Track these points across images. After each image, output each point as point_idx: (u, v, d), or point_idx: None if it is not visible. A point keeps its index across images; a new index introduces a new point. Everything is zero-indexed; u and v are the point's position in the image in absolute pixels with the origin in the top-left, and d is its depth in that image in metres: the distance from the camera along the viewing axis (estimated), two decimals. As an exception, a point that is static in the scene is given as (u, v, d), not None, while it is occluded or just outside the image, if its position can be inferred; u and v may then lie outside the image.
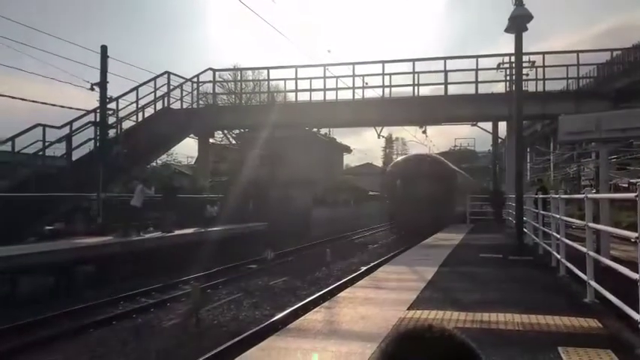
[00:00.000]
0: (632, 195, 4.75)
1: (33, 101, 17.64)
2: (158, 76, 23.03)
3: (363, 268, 15.78)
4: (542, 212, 12.46)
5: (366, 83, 23.81)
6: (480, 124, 28.55)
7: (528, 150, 41.82)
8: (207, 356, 7.44)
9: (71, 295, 12.14)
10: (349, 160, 65.02)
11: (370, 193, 51.16)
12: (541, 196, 13.66)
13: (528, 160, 42.04)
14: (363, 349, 4.54)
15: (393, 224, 24.26)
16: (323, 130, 39.25)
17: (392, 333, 1.52)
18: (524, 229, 13.74)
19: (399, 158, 25.39)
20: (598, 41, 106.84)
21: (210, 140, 28.91)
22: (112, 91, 19.36)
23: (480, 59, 22.79)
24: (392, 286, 7.86)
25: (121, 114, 21.00)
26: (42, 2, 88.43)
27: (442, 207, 20.69)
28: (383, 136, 31.18)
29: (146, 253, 15.42)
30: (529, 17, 11.62)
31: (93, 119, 18.92)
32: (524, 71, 19.69)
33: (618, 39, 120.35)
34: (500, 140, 31.96)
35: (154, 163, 27.93)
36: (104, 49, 18.27)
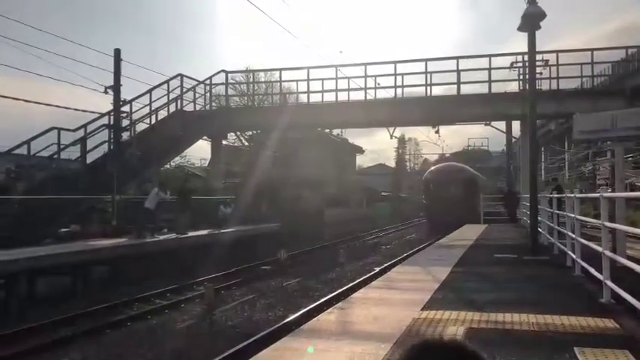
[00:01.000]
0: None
1: (48, 104, 17.84)
2: (171, 79, 23.17)
3: (377, 269, 15.76)
4: (557, 212, 12.35)
5: (378, 84, 23.74)
6: (494, 123, 28.34)
7: (543, 149, 41.42)
8: (220, 357, 7.47)
9: (87, 296, 12.25)
10: (362, 161, 65.03)
11: (383, 193, 51.07)
12: (556, 195, 13.54)
13: (543, 160, 41.63)
14: (377, 350, 4.53)
15: (427, 219, 28.04)
16: (335, 131, 39.27)
17: (403, 338, 1.53)
18: (539, 229, 13.62)
19: (433, 167, 30.13)
20: (608, 40, 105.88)
21: (223, 142, 29.00)
22: (126, 93, 19.53)
23: (492, 58, 22.63)
24: (405, 287, 7.84)
25: (135, 116, 21.16)
26: (54, 5, 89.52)
27: (465, 206, 23.30)
28: (395, 137, 31.42)
29: (160, 255, 15.53)
30: (542, 15, 11.50)
31: (107, 122, 19.09)
32: (538, 70, 19.52)
33: (629, 37, 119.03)
34: (514, 140, 31.75)
35: (168, 165, 28.09)
36: (117, 52, 18.43)
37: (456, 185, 26.07)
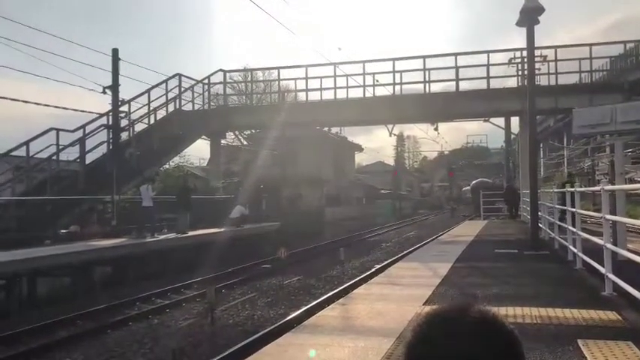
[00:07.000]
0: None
1: (47, 105, 17.80)
2: (169, 79, 23.15)
3: (378, 266, 15.74)
4: (557, 206, 12.35)
5: (377, 81, 23.73)
6: (493, 119, 28.39)
7: (541, 145, 41.57)
8: (222, 355, 7.45)
9: (88, 296, 12.22)
10: (361, 159, 65.07)
11: (382, 191, 51.06)
12: (556, 190, 13.54)
13: (541, 156, 41.82)
14: (380, 344, 4.53)
15: (477, 211, 36.10)
16: (334, 129, 39.28)
17: (416, 318, 1.46)
18: (540, 224, 13.62)
19: (475, 181, 43.28)
20: (603, 35, 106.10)
21: (222, 141, 28.98)
22: (124, 93, 19.49)
23: (491, 54, 22.65)
24: (407, 283, 7.83)
25: (133, 116, 21.13)
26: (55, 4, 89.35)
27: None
28: (394, 134, 31.84)
29: (161, 254, 15.51)
30: (541, 9, 11.48)
31: (106, 122, 19.05)
32: (536, 65, 19.52)
33: (624, 32, 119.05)
34: (513, 136, 31.83)
35: (167, 165, 28.08)
36: (115, 52, 18.37)
37: (485, 190, 34.60)
